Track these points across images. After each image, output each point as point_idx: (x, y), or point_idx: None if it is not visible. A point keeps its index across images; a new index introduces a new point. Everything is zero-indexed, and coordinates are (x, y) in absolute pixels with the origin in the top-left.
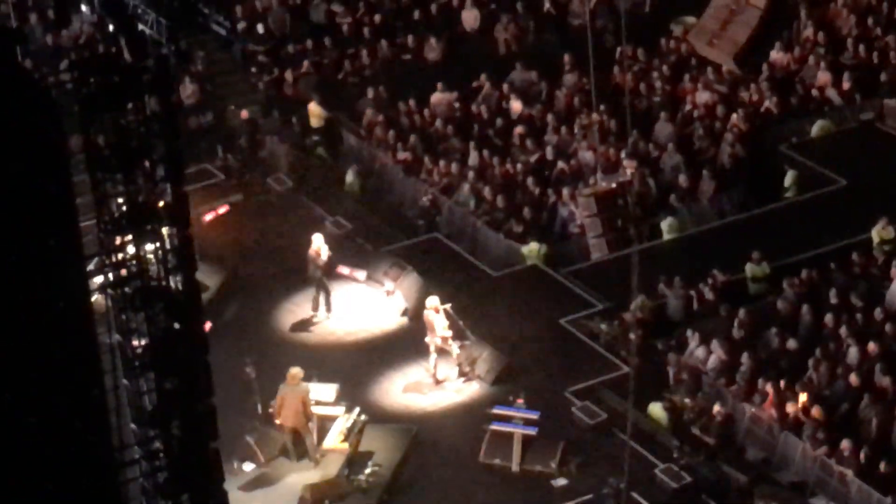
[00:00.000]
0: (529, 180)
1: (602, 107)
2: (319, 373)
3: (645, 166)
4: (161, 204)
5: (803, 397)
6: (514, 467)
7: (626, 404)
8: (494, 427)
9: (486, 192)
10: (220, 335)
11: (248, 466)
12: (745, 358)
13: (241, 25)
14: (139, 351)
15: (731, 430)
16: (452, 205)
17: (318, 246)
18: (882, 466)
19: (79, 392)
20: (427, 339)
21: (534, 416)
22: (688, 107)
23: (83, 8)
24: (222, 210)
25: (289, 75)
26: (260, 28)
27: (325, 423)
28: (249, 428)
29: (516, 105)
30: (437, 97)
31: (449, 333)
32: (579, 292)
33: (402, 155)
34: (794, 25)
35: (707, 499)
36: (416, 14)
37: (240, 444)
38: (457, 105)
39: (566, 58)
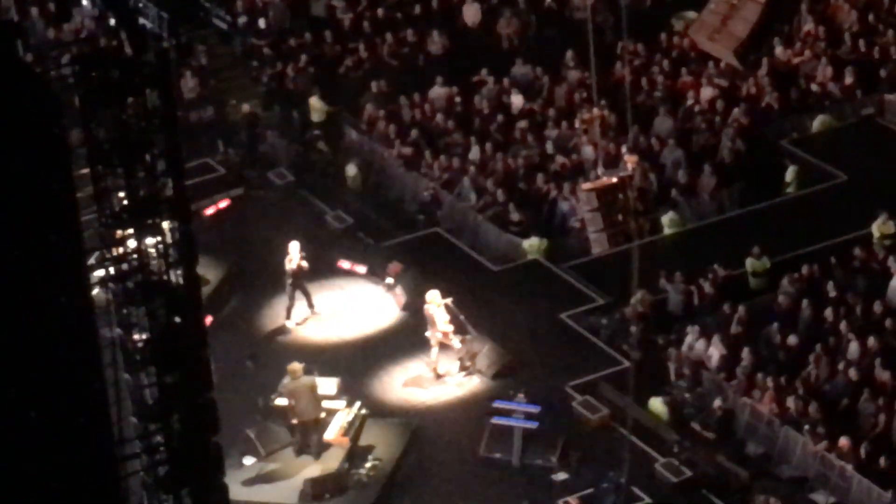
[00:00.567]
0: (537, 176)
1: (603, 102)
2: (320, 367)
3: (646, 161)
4: (162, 198)
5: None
6: (515, 461)
7: (627, 399)
8: (495, 421)
9: (489, 185)
10: (221, 329)
11: (249, 460)
12: (745, 353)
13: (242, 20)
14: (140, 345)
15: (731, 425)
16: (453, 199)
17: (291, 254)
18: (882, 461)
19: (79, 386)
20: (428, 334)
21: (535, 409)
22: (689, 101)
23: (84, 2)
24: (223, 204)
25: (290, 69)
26: (261, 22)
27: (326, 417)
28: (250, 421)
29: (517, 100)
30: (436, 92)
31: (450, 328)
32: (580, 287)
33: (402, 150)
34: (795, 20)
35: (707, 493)
36: (418, 9)
37: (240, 437)
38: (457, 100)
39: (568, 53)
